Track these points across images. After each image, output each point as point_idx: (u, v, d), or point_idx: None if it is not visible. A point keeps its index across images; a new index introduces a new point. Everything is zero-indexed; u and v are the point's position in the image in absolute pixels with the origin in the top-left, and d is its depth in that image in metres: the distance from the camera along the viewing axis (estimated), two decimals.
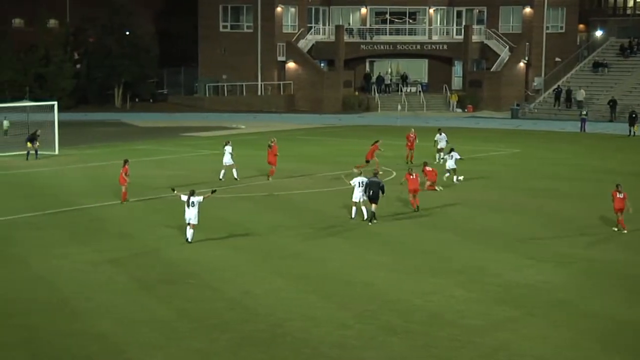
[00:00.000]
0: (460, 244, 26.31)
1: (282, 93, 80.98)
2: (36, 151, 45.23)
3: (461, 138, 56.58)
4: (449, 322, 18.90)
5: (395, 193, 32.61)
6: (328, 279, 22.23)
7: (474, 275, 22.61)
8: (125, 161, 32.67)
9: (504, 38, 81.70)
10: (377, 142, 39.96)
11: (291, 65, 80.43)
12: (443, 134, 43.87)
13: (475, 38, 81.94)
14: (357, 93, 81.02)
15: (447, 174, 37.41)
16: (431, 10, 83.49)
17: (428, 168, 34.88)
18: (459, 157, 37.56)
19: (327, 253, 24.96)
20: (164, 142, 54.20)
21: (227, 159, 37.65)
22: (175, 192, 27.21)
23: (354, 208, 29.46)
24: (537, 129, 63.84)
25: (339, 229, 28.28)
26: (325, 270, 23.03)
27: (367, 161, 39.51)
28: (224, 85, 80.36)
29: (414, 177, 31.02)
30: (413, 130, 45.61)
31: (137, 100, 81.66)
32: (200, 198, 25.89)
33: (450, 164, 37.40)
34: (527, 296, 20.95)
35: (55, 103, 49.74)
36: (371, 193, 28.68)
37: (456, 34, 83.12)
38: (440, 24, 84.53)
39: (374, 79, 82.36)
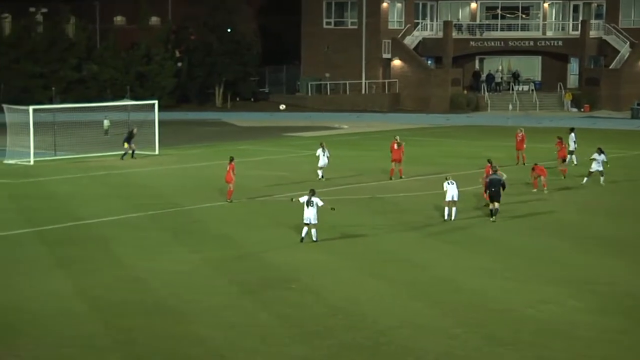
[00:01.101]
0: (574, 250, 25.51)
1: (386, 92, 79.95)
2: (133, 151, 45.24)
3: (577, 139, 54.28)
4: (561, 333, 18.18)
5: (510, 197, 31.27)
6: (434, 285, 21.75)
7: (587, 284, 21.86)
8: (232, 159, 32.68)
9: (625, 33, 79.47)
10: None
11: (397, 62, 79.15)
12: (572, 134, 42.28)
13: (592, 33, 79.80)
14: (465, 92, 79.58)
15: (586, 179, 36.10)
16: (546, 5, 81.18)
17: (539, 165, 34.77)
18: (605, 159, 36.28)
19: (433, 258, 24.50)
20: (265, 142, 54.09)
21: (324, 162, 37.65)
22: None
23: (446, 209, 29.22)
24: None
25: (446, 233, 27.75)
26: (432, 276, 22.56)
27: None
28: (326, 84, 79.74)
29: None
30: (522, 129, 44.26)
31: (237, 99, 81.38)
32: (320, 202, 25.76)
33: (595, 165, 35.94)
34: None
35: (156, 102, 50.11)
36: (492, 190, 28.87)
37: (572, 29, 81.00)
38: (555, 18, 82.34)
39: (483, 77, 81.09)
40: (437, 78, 78.27)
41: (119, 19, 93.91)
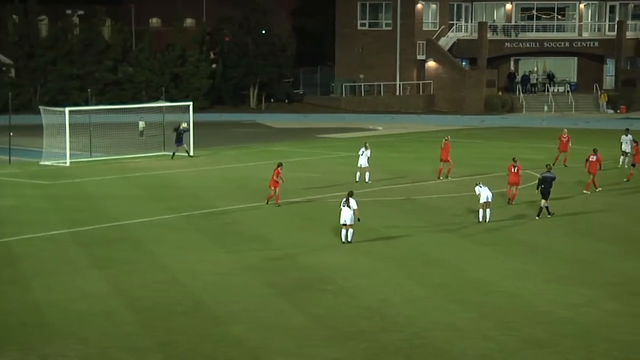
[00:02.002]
0: (613, 252, 25.18)
1: (421, 93, 79.61)
2: (174, 153, 45.46)
3: (613, 140, 53.50)
4: (602, 336, 17.91)
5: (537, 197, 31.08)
6: (470, 287, 21.53)
7: (628, 286, 21.55)
8: (279, 164, 32.10)
9: None
10: None
11: (431, 64, 78.71)
12: (630, 135, 41.52)
13: (629, 34, 79.14)
14: (500, 93, 79.00)
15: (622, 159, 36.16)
16: (581, 5, 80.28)
17: (592, 158, 34.85)
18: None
19: (468, 260, 24.27)
20: (300, 144, 54.01)
21: (362, 161, 37.14)
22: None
23: (480, 211, 29.11)
24: None
25: (480, 235, 27.51)
26: (467, 278, 22.34)
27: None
28: (361, 85, 79.49)
29: (515, 170, 31.78)
30: (565, 130, 43.92)
31: (272, 100, 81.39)
32: (355, 205, 25.67)
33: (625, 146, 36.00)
34: None
35: (191, 103, 50.03)
36: (542, 187, 29.59)
37: (609, 30, 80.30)
38: (591, 19, 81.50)
39: (518, 78, 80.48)
40: (471, 79, 77.80)
41: (154, 21, 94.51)
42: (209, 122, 65.51)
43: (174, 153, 45.27)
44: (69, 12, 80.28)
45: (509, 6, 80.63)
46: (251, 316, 19.14)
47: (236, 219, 29.71)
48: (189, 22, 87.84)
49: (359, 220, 25.89)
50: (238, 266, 23.35)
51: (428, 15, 79.23)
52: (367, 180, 36.94)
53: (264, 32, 79.10)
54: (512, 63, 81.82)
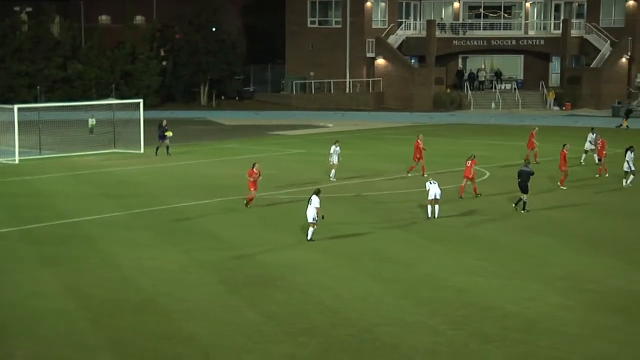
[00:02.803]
0: (561, 248, 25.44)
1: (371, 90, 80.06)
2: (167, 147, 45.20)
3: (560, 137, 54.50)
4: (548, 330, 18.17)
5: (499, 195, 31.77)
6: (420, 283, 21.73)
7: (574, 281, 21.88)
8: (253, 164, 31.17)
9: (605, 32, 79.87)
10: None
11: (381, 61, 79.24)
12: (595, 134, 41.87)
13: (574, 32, 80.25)
14: (449, 90, 79.72)
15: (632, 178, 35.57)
16: (528, 4, 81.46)
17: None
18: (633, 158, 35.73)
19: (419, 256, 24.44)
20: (251, 141, 54.07)
21: (334, 159, 37.09)
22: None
23: (429, 207, 29.25)
24: None
25: (431, 231, 27.62)
26: (418, 274, 22.53)
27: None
28: (311, 83, 79.79)
29: (470, 164, 32.27)
30: (536, 128, 44.49)
31: (223, 98, 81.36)
32: (317, 203, 25.60)
33: (626, 166, 35.52)
34: (630, 304, 20.09)
35: (141, 101, 50.03)
36: (519, 181, 29.95)
37: (554, 29, 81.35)
38: (537, 18, 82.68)
39: (466, 75, 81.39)
40: (420, 77, 78.55)
41: (104, 18, 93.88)
42: (160, 119, 65.42)
43: (157, 148, 45.18)
44: (17, 9, 79.52)
45: (456, 4, 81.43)
46: (203, 313, 19.11)
47: (187, 216, 29.62)
48: (139, 19, 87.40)
49: (322, 218, 25.76)
50: (190, 263, 23.30)
51: (377, 13, 79.72)
52: (332, 177, 36.93)
53: (214, 29, 79.09)
54: (460, 61, 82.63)
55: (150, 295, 20.44)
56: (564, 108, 76.39)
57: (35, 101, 66.23)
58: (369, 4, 78.79)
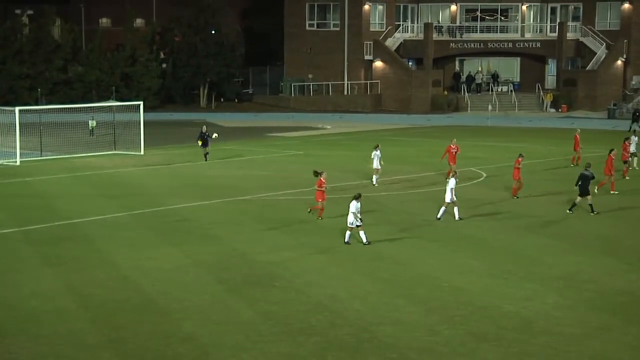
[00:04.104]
0: (556, 248, 25.49)
1: (369, 92, 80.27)
2: (207, 154, 43.75)
3: (556, 139, 54.86)
4: (544, 329, 18.23)
5: (497, 197, 31.81)
6: (417, 282, 21.76)
7: (570, 281, 21.92)
8: (319, 173, 28.91)
9: (601, 35, 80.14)
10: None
11: (378, 64, 79.51)
12: (636, 137, 41.49)
13: (570, 35, 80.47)
14: (446, 93, 79.89)
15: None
16: (524, 7, 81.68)
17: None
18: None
19: (416, 256, 24.48)
20: (250, 143, 54.31)
21: (376, 164, 36.17)
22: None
23: (442, 208, 28.99)
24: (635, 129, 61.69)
25: (428, 231, 27.71)
26: (415, 274, 22.56)
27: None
28: (309, 85, 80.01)
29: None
30: (579, 130, 44.07)
31: (222, 100, 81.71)
32: (352, 208, 25.20)
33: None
34: (626, 303, 20.15)
35: (141, 103, 50.14)
36: (581, 185, 29.69)
37: (550, 32, 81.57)
38: (533, 21, 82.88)
39: (463, 78, 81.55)
40: (418, 79, 78.87)
41: (104, 21, 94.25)
42: (160, 121, 65.63)
43: (206, 155, 43.78)
44: (18, 11, 79.99)
45: (453, 7, 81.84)
46: (201, 312, 19.18)
47: (186, 217, 29.70)
48: (138, 22, 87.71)
49: (360, 220, 25.33)
50: (188, 263, 23.36)
51: (375, 16, 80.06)
52: (374, 182, 36.22)
53: (213, 32, 79.49)
54: (457, 63, 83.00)
55: (149, 295, 20.51)
56: (560, 110, 76.69)
57: (36, 103, 66.70)
58: (366, 7, 79.10)
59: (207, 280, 21.75)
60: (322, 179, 28.58)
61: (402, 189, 35.55)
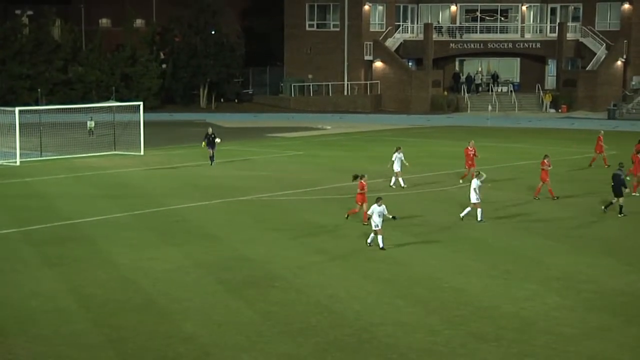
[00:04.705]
0: (555, 249, 25.49)
1: (368, 93, 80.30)
2: (212, 157, 42.67)
3: (556, 139, 54.93)
4: (543, 329, 18.27)
5: (497, 198, 31.53)
6: (417, 283, 21.78)
7: (570, 281, 21.93)
8: (359, 176, 28.65)
9: (601, 36, 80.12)
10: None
11: (378, 64, 79.55)
12: None
13: (570, 36, 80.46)
14: (446, 93, 79.95)
15: None
16: (524, 7, 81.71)
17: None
18: None
19: (415, 256, 24.50)
20: (250, 143, 54.35)
21: (397, 166, 35.58)
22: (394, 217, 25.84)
23: (468, 209, 28.88)
24: (635, 129, 62.12)
25: (428, 231, 27.69)
26: (414, 275, 22.57)
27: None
28: (309, 85, 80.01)
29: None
30: (602, 132, 43.71)
31: (222, 100, 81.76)
32: (370, 211, 25.00)
33: None
34: (626, 304, 20.17)
35: (141, 103, 50.23)
36: (614, 186, 29.61)
37: (550, 32, 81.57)
38: (533, 21, 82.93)
39: (463, 78, 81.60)
40: (417, 79, 78.91)
41: (104, 21, 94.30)
42: (160, 121, 65.72)
43: (211, 158, 42.83)
44: (18, 12, 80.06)
45: (453, 8, 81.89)
46: (201, 312, 19.21)
47: (186, 217, 29.75)
48: (138, 22, 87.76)
49: (394, 218, 25.45)
50: (188, 263, 23.39)
51: (375, 16, 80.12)
52: (402, 184, 35.65)
53: (213, 32, 79.54)
54: (457, 64, 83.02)
55: (150, 295, 20.55)
56: (560, 110, 76.72)
57: (36, 103, 66.74)
58: (366, 7, 79.16)
59: (207, 281, 21.78)
60: (363, 181, 28.20)
61: (401, 190, 35.56)
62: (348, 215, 28.93)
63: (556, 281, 21.80)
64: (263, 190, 35.07)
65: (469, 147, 36.77)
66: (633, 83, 78.04)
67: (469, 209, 28.80)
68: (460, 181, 36.32)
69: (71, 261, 23.72)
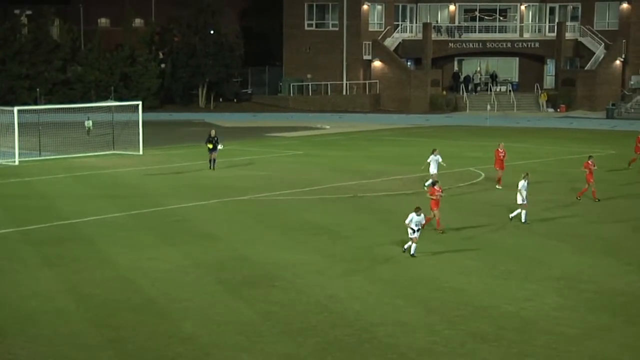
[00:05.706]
0: (556, 248, 25.48)
1: (367, 92, 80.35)
2: (214, 160, 41.61)
3: (554, 139, 55.02)
4: (544, 329, 18.25)
5: (487, 197, 31.72)
6: (417, 283, 21.76)
7: (570, 281, 21.90)
8: (434, 182, 28.48)
9: (600, 35, 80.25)
10: None
11: (377, 64, 79.60)
12: None
13: (568, 35, 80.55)
14: (444, 92, 80.00)
15: None
16: (523, 7, 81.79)
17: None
18: None
19: (416, 257, 24.37)
20: (248, 143, 54.28)
21: (433, 169, 34.66)
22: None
23: (517, 210, 28.73)
24: (634, 129, 62.12)
25: (427, 232, 27.29)
26: (414, 275, 22.55)
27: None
28: (308, 85, 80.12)
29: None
30: None
31: (221, 100, 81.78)
32: (408, 220, 24.14)
33: None
34: (626, 304, 20.16)
35: (140, 103, 50.25)
36: None
37: (549, 31, 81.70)
38: (532, 21, 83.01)
39: (462, 78, 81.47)
40: (416, 79, 78.99)
41: (103, 21, 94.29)
42: (159, 121, 65.71)
43: (211, 161, 41.76)
44: (17, 11, 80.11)
45: (452, 7, 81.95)
46: (201, 312, 19.20)
47: (185, 217, 29.72)
48: (137, 22, 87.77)
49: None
50: (187, 263, 23.37)
51: (374, 16, 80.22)
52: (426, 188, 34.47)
53: (212, 32, 79.56)
54: (456, 63, 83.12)
55: (149, 295, 20.54)
56: (558, 110, 76.79)
57: (35, 103, 66.76)
58: (365, 7, 79.22)
59: (206, 281, 21.76)
60: (436, 187, 27.64)
61: (401, 190, 35.53)
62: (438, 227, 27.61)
63: (556, 281, 21.79)
64: (262, 190, 35.07)
65: (499, 149, 35.79)
66: (632, 82, 78.06)
67: (518, 210, 28.63)
68: (498, 186, 35.24)
69: (70, 261, 23.71)
